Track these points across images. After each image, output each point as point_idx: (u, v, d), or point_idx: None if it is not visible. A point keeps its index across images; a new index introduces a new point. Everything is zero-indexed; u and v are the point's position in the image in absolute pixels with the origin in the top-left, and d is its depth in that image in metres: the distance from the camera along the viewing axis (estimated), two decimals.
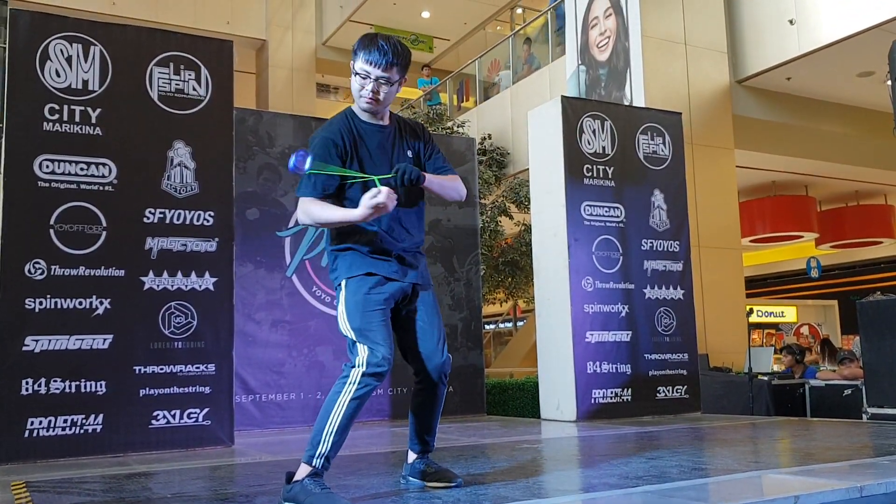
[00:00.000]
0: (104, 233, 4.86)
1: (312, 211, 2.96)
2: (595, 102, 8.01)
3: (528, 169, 7.42)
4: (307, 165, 2.88)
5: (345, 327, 3.00)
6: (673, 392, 6.72)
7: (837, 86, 11.02)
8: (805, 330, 17.59)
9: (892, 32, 8.46)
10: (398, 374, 6.63)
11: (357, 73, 3.02)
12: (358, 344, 2.95)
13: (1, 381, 4.51)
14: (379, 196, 2.82)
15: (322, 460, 2.87)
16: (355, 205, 2.91)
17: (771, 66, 10.23)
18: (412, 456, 3.29)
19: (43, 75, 4.84)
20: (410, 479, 3.27)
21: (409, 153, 3.17)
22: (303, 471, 2.88)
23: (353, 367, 2.92)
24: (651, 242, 6.83)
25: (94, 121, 4.93)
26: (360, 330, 2.95)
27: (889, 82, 5.89)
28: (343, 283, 3.04)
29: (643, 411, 6.53)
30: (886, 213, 16.98)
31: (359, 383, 2.89)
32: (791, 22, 9.83)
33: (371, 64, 2.98)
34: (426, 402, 3.19)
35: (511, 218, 13.03)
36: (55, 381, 4.63)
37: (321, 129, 3.10)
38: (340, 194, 3.04)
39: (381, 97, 3.05)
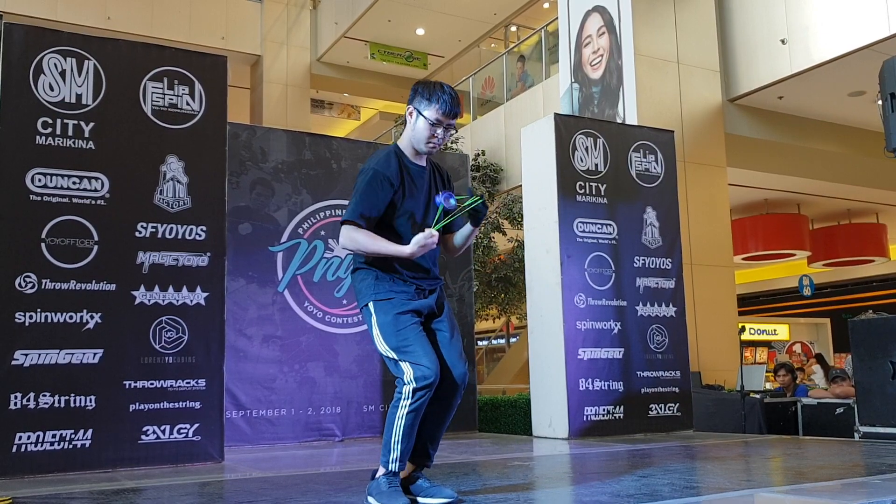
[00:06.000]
0: (96, 247, 4.84)
1: (359, 239, 3.14)
2: (588, 120, 8.03)
3: (521, 185, 7.43)
4: (447, 204, 3.16)
5: (383, 348, 3.16)
6: (665, 410, 6.71)
7: (829, 105, 11.09)
8: (798, 348, 17.60)
9: (883, 52, 8.53)
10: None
11: (427, 120, 3.21)
12: (400, 363, 3.11)
13: None
14: (431, 239, 3.09)
15: (397, 463, 3.13)
16: (400, 235, 3.18)
17: (763, 84, 10.30)
18: (408, 467, 3.28)
19: (36, 89, 4.83)
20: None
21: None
22: (381, 469, 3.16)
23: (405, 384, 3.09)
24: (643, 260, 6.84)
25: (87, 135, 4.92)
26: (399, 348, 3.12)
27: (879, 101, 5.94)
28: (370, 304, 3.18)
29: (635, 429, 6.52)
30: (878, 231, 17.04)
31: (413, 398, 3.08)
32: (783, 41, 9.91)
33: (445, 114, 3.21)
34: (441, 411, 3.27)
35: (504, 234, 13.05)
36: (44, 395, 4.59)
37: (376, 164, 3.23)
38: (385, 224, 3.21)
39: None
